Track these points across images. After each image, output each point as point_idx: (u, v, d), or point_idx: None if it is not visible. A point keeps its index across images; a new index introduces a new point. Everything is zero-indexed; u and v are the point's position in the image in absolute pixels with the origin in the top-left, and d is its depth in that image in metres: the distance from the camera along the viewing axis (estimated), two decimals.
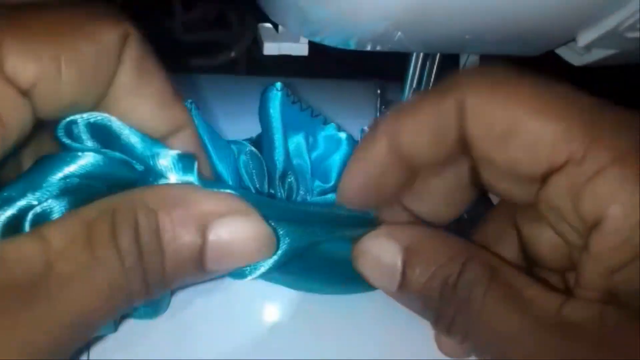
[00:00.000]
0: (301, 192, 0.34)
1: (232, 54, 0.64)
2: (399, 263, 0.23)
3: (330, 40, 0.26)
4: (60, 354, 0.19)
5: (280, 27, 0.28)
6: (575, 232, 0.21)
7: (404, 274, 0.22)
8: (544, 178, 0.20)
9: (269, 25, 0.29)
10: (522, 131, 0.20)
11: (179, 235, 0.20)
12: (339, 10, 0.23)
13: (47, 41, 0.18)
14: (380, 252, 0.23)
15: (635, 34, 0.23)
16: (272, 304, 0.29)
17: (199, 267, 0.20)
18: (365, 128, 0.38)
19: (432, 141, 0.22)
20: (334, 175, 0.35)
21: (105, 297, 0.19)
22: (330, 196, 0.34)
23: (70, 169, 0.21)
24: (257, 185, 0.33)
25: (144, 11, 0.65)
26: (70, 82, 0.19)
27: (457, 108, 0.21)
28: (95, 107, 0.21)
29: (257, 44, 0.37)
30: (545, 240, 0.24)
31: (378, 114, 0.39)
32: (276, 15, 0.27)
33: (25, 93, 0.18)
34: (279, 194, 0.33)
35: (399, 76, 0.36)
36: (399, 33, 0.24)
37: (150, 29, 0.67)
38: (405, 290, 0.23)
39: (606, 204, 0.19)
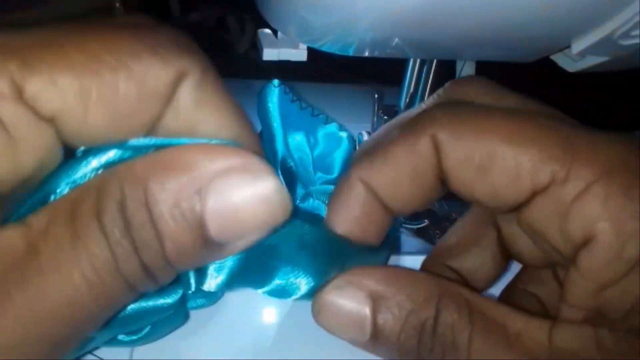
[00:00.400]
0: (301, 184, 0.34)
1: (231, 58, 0.64)
2: (367, 312, 0.21)
3: (329, 47, 0.26)
4: (56, 350, 0.17)
5: (279, 33, 0.29)
6: (560, 248, 0.20)
7: (374, 323, 0.21)
8: (527, 201, 0.20)
9: (268, 31, 0.30)
10: (501, 159, 0.20)
11: (173, 203, 0.16)
12: (338, 18, 0.23)
13: (79, 74, 0.16)
14: (345, 302, 0.21)
15: (629, 41, 0.23)
16: (270, 306, 0.29)
17: (203, 241, 0.17)
18: (363, 132, 0.38)
19: (410, 186, 0.21)
20: (336, 168, 0.36)
21: (94, 280, 0.16)
22: (326, 187, 0.34)
23: (95, 162, 0.18)
24: None
25: (142, 13, 0.65)
26: (101, 121, 0.17)
27: (431, 145, 0.21)
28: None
29: (256, 47, 0.37)
30: (525, 240, 0.24)
31: (375, 118, 0.39)
32: (276, 22, 0.27)
33: (47, 120, 0.16)
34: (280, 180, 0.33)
35: (397, 80, 0.36)
36: (397, 40, 0.25)
37: None
38: (378, 341, 0.21)
39: (594, 222, 0.18)
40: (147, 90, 0.17)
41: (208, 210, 0.16)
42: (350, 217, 0.23)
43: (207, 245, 0.17)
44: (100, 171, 0.17)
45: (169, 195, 0.16)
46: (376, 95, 0.39)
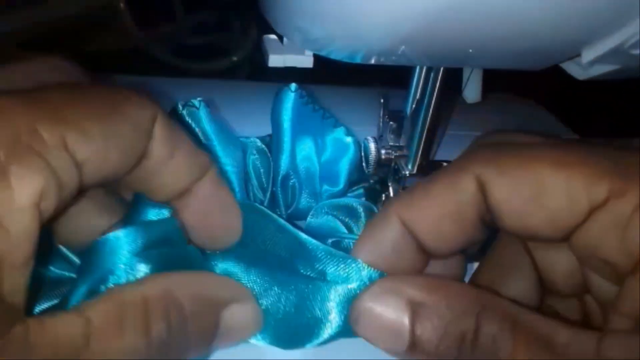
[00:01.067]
0: (305, 196, 0.34)
1: (234, 59, 0.64)
2: (406, 320, 0.21)
3: (335, 54, 0.26)
4: None
5: (285, 39, 0.28)
6: (615, 264, 0.20)
7: (412, 332, 0.21)
8: (584, 220, 0.20)
9: (273, 37, 0.29)
10: (552, 185, 0.20)
11: (201, 325, 0.22)
12: (344, 28, 0.23)
13: (97, 122, 0.20)
14: (383, 309, 0.21)
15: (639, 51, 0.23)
16: None
17: (208, 346, 0.23)
18: (369, 138, 0.38)
19: (450, 226, 0.21)
20: (342, 180, 0.36)
21: None
22: (337, 200, 0.34)
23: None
24: (264, 183, 0.34)
25: (147, 15, 0.65)
26: (114, 158, 0.20)
27: (475, 184, 0.21)
28: (131, 173, 0.23)
29: (259, 48, 0.37)
30: (560, 266, 0.23)
31: (381, 122, 0.39)
32: (282, 29, 0.27)
33: (77, 165, 0.19)
34: (280, 194, 0.34)
35: (403, 83, 0.36)
36: (403, 47, 0.25)
37: (153, 33, 0.67)
38: (416, 351, 0.21)
39: None
40: (139, 127, 0.21)
41: (220, 331, 0.23)
42: (380, 252, 0.23)
43: (209, 348, 0.24)
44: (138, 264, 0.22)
45: (201, 318, 0.22)
46: (382, 100, 0.38)
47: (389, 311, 0.21)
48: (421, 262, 0.23)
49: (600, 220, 0.20)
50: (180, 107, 0.32)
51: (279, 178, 0.34)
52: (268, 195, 0.35)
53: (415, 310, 0.21)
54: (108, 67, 0.62)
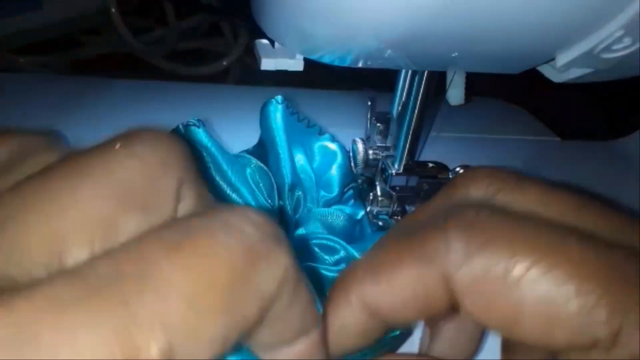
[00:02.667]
0: (308, 204, 0.36)
1: (225, 63, 0.65)
2: None
3: (325, 58, 0.27)
4: None
5: (276, 43, 0.30)
6: None
7: None
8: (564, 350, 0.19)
9: (265, 41, 0.30)
10: (531, 311, 0.18)
11: None
12: (334, 32, 0.24)
13: (218, 320, 0.15)
14: None
15: (610, 55, 0.25)
16: None
17: None
18: (357, 140, 0.39)
19: (416, 308, 0.21)
20: (335, 186, 0.37)
21: None
22: (335, 208, 0.35)
23: None
24: (267, 198, 0.35)
25: (138, 20, 0.66)
26: (230, 345, 0.16)
27: (444, 284, 0.20)
28: None
29: (250, 53, 0.38)
30: None
31: (369, 124, 0.40)
32: (273, 33, 0.28)
33: None
34: (289, 205, 0.35)
35: (390, 87, 0.37)
36: (389, 51, 0.26)
37: (145, 38, 0.68)
38: None
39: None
40: (265, 300, 0.16)
41: None
42: (347, 336, 0.22)
43: None
44: None
45: None
46: (369, 102, 0.39)
47: None
48: (385, 331, 0.23)
49: (581, 357, 0.18)
50: (181, 128, 0.33)
51: (286, 189, 0.35)
52: (277, 207, 0.35)
53: None
54: (101, 71, 0.63)
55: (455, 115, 0.51)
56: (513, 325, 0.18)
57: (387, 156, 0.38)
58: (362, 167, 0.39)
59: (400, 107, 0.36)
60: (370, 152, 0.39)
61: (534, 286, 0.17)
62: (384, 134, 0.39)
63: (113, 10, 0.59)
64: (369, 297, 0.21)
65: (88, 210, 0.15)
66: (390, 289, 0.21)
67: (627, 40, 0.23)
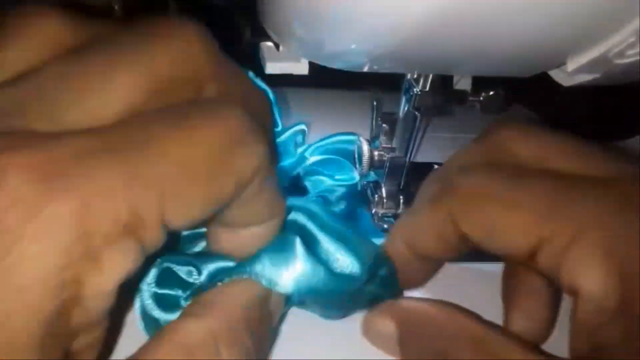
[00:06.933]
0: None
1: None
2: (395, 339, 0.26)
3: (331, 63, 0.27)
4: None
5: (281, 47, 0.29)
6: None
7: (401, 347, 0.25)
8: (530, 255, 0.23)
9: (270, 44, 0.30)
10: (500, 228, 0.24)
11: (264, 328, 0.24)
12: (338, 37, 0.24)
13: (200, 191, 0.18)
14: (381, 327, 0.26)
15: (623, 60, 0.24)
16: None
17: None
18: (362, 140, 0.39)
19: (438, 243, 0.26)
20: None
21: None
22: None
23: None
24: None
25: (140, 15, 0.65)
26: (206, 215, 0.19)
27: (449, 217, 0.25)
28: None
29: (253, 51, 0.37)
30: None
31: (373, 125, 0.39)
32: (279, 38, 0.28)
33: (168, 229, 0.18)
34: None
35: (396, 87, 0.36)
36: (397, 56, 0.25)
37: None
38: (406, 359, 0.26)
39: (577, 278, 0.21)
40: (240, 182, 0.20)
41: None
42: (400, 267, 0.28)
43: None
44: None
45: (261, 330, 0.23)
46: (375, 103, 0.39)
47: (384, 330, 0.26)
48: (429, 269, 0.30)
49: (541, 262, 0.23)
50: None
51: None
52: None
53: (402, 332, 0.26)
54: None
55: (457, 114, 0.51)
56: (494, 242, 0.24)
57: (392, 157, 0.38)
58: (367, 168, 0.38)
59: (406, 109, 0.36)
60: (376, 153, 0.38)
61: (501, 217, 0.24)
62: (390, 135, 0.39)
63: (116, 7, 0.59)
64: (405, 235, 0.28)
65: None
66: (417, 227, 0.27)
67: None
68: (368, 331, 0.27)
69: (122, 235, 0.16)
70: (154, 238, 0.18)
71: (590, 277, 0.21)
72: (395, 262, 0.28)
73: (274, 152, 0.22)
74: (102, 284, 0.17)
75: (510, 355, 0.22)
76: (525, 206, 0.23)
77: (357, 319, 0.28)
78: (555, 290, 0.28)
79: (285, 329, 0.28)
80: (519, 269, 0.29)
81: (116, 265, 0.17)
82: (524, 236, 0.23)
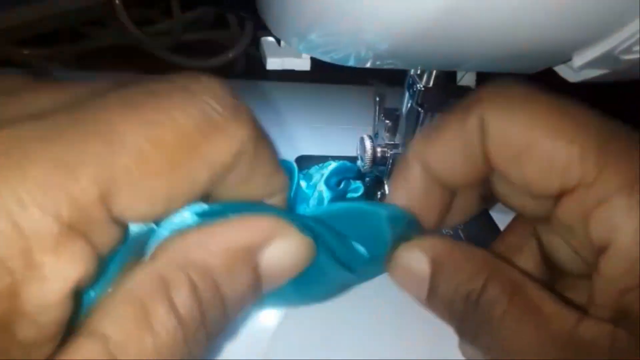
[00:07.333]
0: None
1: (230, 55, 0.64)
2: (427, 275, 0.23)
3: (333, 58, 0.26)
4: None
5: (282, 42, 0.29)
6: (586, 249, 0.21)
7: (431, 286, 0.23)
8: (557, 198, 0.21)
9: (271, 39, 0.30)
10: (537, 151, 0.21)
11: (237, 281, 0.19)
12: (342, 33, 0.24)
13: (164, 180, 0.16)
14: (411, 262, 0.24)
15: (630, 56, 0.24)
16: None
17: (256, 296, 0.20)
18: (365, 136, 0.38)
19: (460, 160, 0.23)
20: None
21: None
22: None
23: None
24: None
25: (142, 11, 0.65)
26: (175, 205, 0.18)
27: (478, 126, 0.22)
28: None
29: (255, 45, 0.37)
30: (564, 249, 0.24)
31: (376, 120, 0.39)
32: (280, 33, 0.27)
33: (126, 223, 0.17)
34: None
35: (399, 82, 0.36)
36: (400, 51, 0.25)
37: (149, 29, 0.67)
38: (432, 302, 0.23)
39: (614, 231, 0.19)
40: (216, 169, 0.18)
41: (263, 276, 0.20)
42: (409, 192, 0.25)
43: (256, 297, 0.20)
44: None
45: (234, 276, 0.19)
46: (377, 98, 0.39)
47: (415, 265, 0.23)
48: (446, 198, 0.26)
49: (568, 205, 0.21)
50: None
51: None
52: None
53: (435, 267, 0.23)
54: (104, 64, 0.62)
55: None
56: (519, 163, 0.21)
57: (395, 154, 0.38)
58: (370, 164, 0.38)
59: (409, 105, 0.35)
60: (378, 149, 0.38)
61: (544, 133, 0.21)
62: (392, 131, 0.38)
63: (117, 1, 0.58)
64: (421, 151, 0.24)
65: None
66: (436, 141, 0.24)
67: None
68: (396, 267, 0.24)
69: (66, 236, 0.14)
70: (107, 235, 0.15)
71: (629, 232, 0.19)
72: (409, 191, 0.25)
73: (262, 129, 0.19)
74: (46, 294, 0.14)
75: (545, 306, 0.21)
76: (575, 136, 0.20)
77: (356, 319, 0.28)
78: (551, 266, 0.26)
79: (286, 328, 0.28)
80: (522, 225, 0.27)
81: (61, 272, 0.14)
82: (565, 170, 0.20)
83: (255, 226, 0.19)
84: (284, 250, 0.20)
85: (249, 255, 0.19)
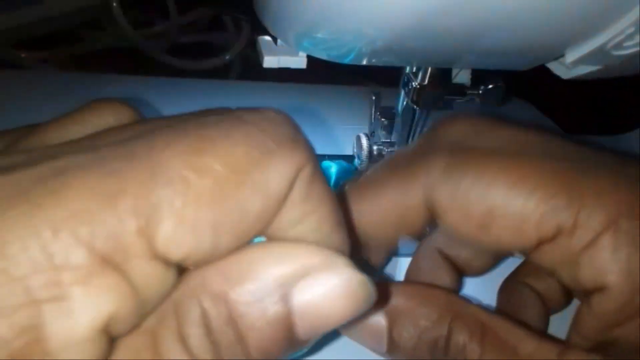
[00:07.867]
0: None
1: (227, 57, 0.64)
2: (384, 326, 0.21)
3: (328, 55, 0.27)
4: None
5: (279, 40, 0.29)
6: (572, 284, 0.21)
7: (390, 337, 0.21)
8: (535, 247, 0.20)
9: (268, 38, 0.30)
10: (502, 213, 0.19)
11: (259, 314, 0.15)
12: (337, 29, 0.24)
13: (210, 207, 0.14)
14: (365, 316, 0.21)
15: (621, 52, 0.24)
16: None
17: (290, 342, 0.16)
18: (362, 135, 0.39)
19: (395, 230, 0.23)
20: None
21: None
22: None
23: None
24: None
25: (139, 14, 0.66)
26: (226, 243, 0.15)
27: (424, 201, 0.21)
28: None
29: (252, 47, 0.37)
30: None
31: (373, 120, 0.39)
32: (275, 30, 0.27)
33: (171, 266, 0.15)
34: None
35: (394, 82, 0.36)
36: (395, 48, 0.25)
37: (146, 32, 0.67)
38: (394, 353, 0.21)
39: (604, 275, 0.19)
40: (269, 198, 0.15)
41: (295, 314, 0.16)
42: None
43: (293, 344, 0.16)
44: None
45: (253, 307, 0.15)
46: (373, 97, 0.39)
47: (369, 318, 0.21)
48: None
49: (549, 252, 0.20)
50: None
51: None
52: None
53: (392, 317, 0.21)
54: (101, 65, 0.63)
55: (456, 108, 0.51)
56: (487, 231, 0.20)
57: (391, 152, 0.38)
58: (366, 162, 0.38)
59: (404, 103, 0.36)
60: (375, 147, 0.38)
61: (505, 193, 0.19)
62: (389, 129, 0.39)
63: (114, 4, 0.59)
64: (356, 211, 0.23)
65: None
66: (373, 206, 0.22)
67: (639, 37, 0.23)
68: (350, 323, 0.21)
69: (99, 268, 0.13)
70: (149, 274, 0.14)
71: (621, 271, 0.18)
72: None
73: (320, 168, 0.17)
74: (72, 328, 0.13)
75: (522, 345, 0.19)
76: (539, 188, 0.19)
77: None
78: (547, 307, 0.26)
79: None
80: (515, 285, 0.27)
81: (91, 305, 0.13)
82: (539, 224, 0.19)
83: (289, 253, 0.16)
84: (324, 287, 0.16)
85: (277, 287, 0.16)
